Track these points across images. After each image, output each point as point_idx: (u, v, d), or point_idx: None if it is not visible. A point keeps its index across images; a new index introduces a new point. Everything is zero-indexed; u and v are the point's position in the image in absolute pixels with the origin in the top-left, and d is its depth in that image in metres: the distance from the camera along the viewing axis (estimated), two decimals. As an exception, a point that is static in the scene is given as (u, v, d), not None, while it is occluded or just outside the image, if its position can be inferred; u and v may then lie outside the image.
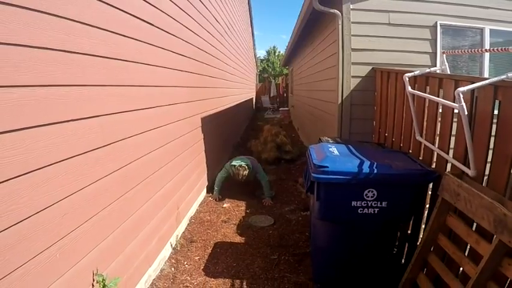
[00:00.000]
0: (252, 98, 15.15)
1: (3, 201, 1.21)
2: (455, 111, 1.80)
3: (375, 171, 2.03)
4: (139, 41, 2.36)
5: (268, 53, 33.96)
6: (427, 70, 2.43)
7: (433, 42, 3.54)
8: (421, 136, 2.41)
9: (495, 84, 1.64)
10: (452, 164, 2.02)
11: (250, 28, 14.29)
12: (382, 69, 3.31)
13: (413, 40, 3.52)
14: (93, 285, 1.74)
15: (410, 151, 2.61)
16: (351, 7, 3.42)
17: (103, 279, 1.76)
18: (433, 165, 2.28)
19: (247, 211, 3.90)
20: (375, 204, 2.05)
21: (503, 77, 1.58)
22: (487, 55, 3.64)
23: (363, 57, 3.50)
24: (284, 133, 6.80)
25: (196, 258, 2.86)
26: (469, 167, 1.78)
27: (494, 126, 1.70)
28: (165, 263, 2.76)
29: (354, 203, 2.06)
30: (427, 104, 2.37)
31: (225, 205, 4.08)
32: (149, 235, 2.48)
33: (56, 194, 1.48)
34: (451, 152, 2.08)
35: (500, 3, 3.58)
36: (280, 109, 14.71)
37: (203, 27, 4.37)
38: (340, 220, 2.15)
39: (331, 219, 2.18)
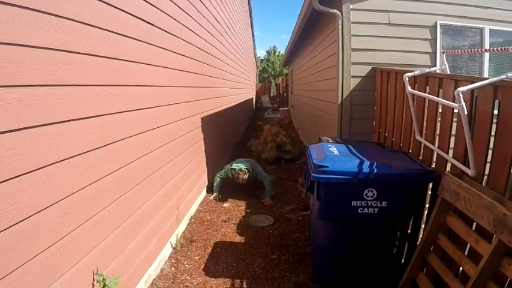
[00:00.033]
0: (252, 98, 15.16)
1: (4, 201, 1.21)
2: (455, 111, 1.80)
3: (375, 171, 2.03)
4: (140, 41, 2.36)
5: (268, 53, 33.97)
6: (427, 70, 2.43)
7: (433, 42, 3.54)
8: (421, 136, 2.42)
9: (495, 84, 1.64)
10: (452, 163, 2.02)
11: (250, 28, 14.29)
12: (382, 69, 3.31)
13: (413, 40, 3.53)
14: (93, 285, 1.74)
15: (410, 151, 2.61)
16: (351, 7, 3.43)
17: (103, 279, 1.76)
18: (433, 165, 2.28)
19: (247, 211, 3.91)
20: (374, 204, 2.05)
21: (503, 77, 1.59)
22: (486, 55, 3.64)
23: (362, 57, 3.50)
24: (284, 133, 6.80)
25: (197, 257, 2.87)
26: (468, 167, 1.78)
27: (494, 126, 1.71)
28: (165, 262, 2.76)
29: (353, 203, 2.06)
30: (426, 104, 2.37)
31: (225, 205, 4.08)
32: (149, 235, 2.49)
33: (57, 193, 1.48)
34: (450, 151, 2.08)
35: (500, 3, 3.58)
36: (280, 109, 14.71)
37: (203, 27, 4.37)
38: (340, 220, 2.16)
39: (331, 218, 2.18)
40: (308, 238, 3.11)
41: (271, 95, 19.09)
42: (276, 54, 32.91)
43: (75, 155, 1.61)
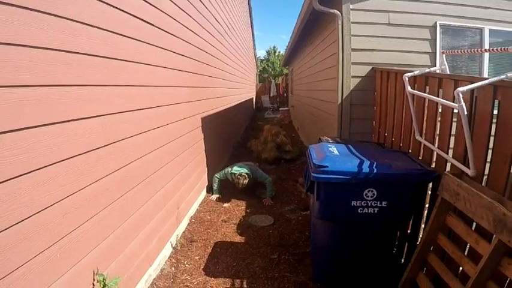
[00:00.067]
0: (252, 98, 15.16)
1: (4, 200, 1.21)
2: (455, 111, 1.80)
3: (375, 171, 2.03)
4: (140, 41, 2.36)
5: (268, 53, 33.99)
6: (427, 70, 2.43)
7: (433, 42, 3.55)
8: (421, 136, 2.42)
9: (494, 84, 1.64)
10: (451, 163, 2.02)
11: (250, 28, 14.29)
12: (382, 69, 3.31)
13: (413, 40, 3.53)
14: (93, 285, 1.74)
15: (410, 151, 2.61)
16: (351, 7, 3.43)
17: (103, 279, 1.76)
18: (433, 165, 2.28)
19: (247, 211, 3.91)
20: (374, 204, 2.05)
21: (502, 77, 1.59)
22: (486, 55, 3.64)
23: (362, 57, 3.51)
24: (284, 133, 6.81)
25: (197, 257, 2.87)
26: (468, 167, 1.78)
27: (493, 126, 1.71)
28: (166, 262, 2.76)
29: (353, 203, 2.06)
30: (426, 104, 2.37)
31: (225, 205, 4.08)
32: (149, 235, 2.49)
33: (57, 193, 1.48)
34: (450, 151, 2.08)
35: (500, 4, 3.58)
36: (280, 109, 14.71)
37: (203, 27, 4.37)
38: (340, 220, 2.16)
39: (331, 218, 2.19)
40: (308, 238, 3.12)
41: (271, 95, 19.09)
42: (276, 54, 32.93)
43: (76, 155, 1.62)
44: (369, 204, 2.06)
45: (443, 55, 2.53)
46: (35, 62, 1.36)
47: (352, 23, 3.45)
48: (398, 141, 2.85)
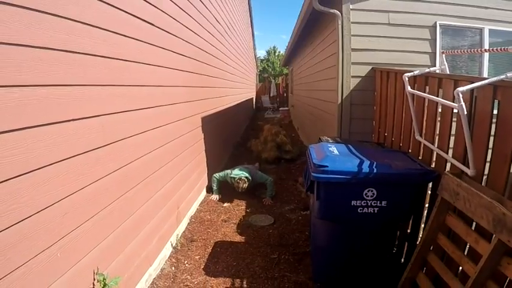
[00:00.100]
0: (252, 98, 15.16)
1: (5, 200, 1.22)
2: (455, 111, 1.80)
3: (375, 170, 2.03)
4: (140, 41, 2.36)
5: (268, 53, 34.00)
6: (427, 70, 2.43)
7: (433, 42, 3.55)
8: (421, 136, 2.42)
9: (494, 84, 1.64)
10: (451, 163, 2.02)
11: (251, 28, 14.30)
12: (382, 69, 3.31)
13: (412, 40, 3.53)
14: (93, 285, 1.74)
15: (410, 151, 2.61)
16: (351, 7, 3.43)
17: (104, 279, 1.76)
18: (433, 165, 2.28)
19: (247, 210, 3.91)
20: (374, 203, 2.06)
21: (502, 77, 1.59)
22: (486, 55, 3.64)
23: (362, 57, 3.51)
24: (284, 133, 6.81)
25: (197, 257, 2.87)
26: (468, 167, 1.79)
27: (493, 126, 1.71)
28: (166, 262, 2.76)
29: (353, 203, 2.06)
30: (426, 104, 2.38)
31: (225, 204, 4.09)
32: (149, 234, 2.49)
33: (57, 193, 1.48)
34: (450, 151, 2.09)
35: (500, 4, 3.59)
36: (280, 109, 14.71)
37: (203, 27, 4.37)
38: (340, 219, 2.16)
39: (331, 218, 2.19)
40: (308, 238, 3.12)
41: (271, 95, 19.08)
42: (276, 54, 32.94)
43: (76, 155, 1.62)
44: (369, 204, 2.06)
45: (443, 55, 2.53)
46: (36, 62, 1.36)
47: (352, 23, 3.45)
48: (398, 141, 2.86)
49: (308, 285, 2.44)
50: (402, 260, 2.47)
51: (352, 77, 3.55)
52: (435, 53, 3.55)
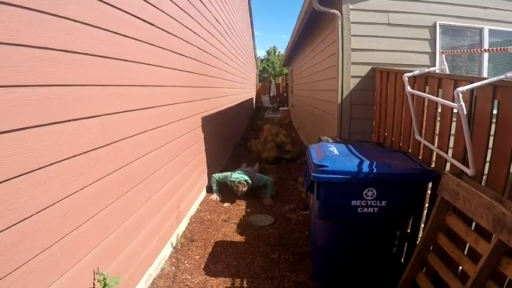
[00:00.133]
0: (252, 98, 15.16)
1: (5, 200, 1.22)
2: (455, 110, 1.80)
3: (375, 170, 2.04)
4: (140, 41, 2.36)
5: (268, 53, 34.01)
6: (427, 70, 2.44)
7: (433, 42, 3.55)
8: (421, 136, 2.42)
9: (494, 84, 1.65)
10: (451, 163, 2.03)
11: (251, 28, 14.29)
12: (382, 69, 3.32)
13: (412, 40, 3.53)
14: (94, 284, 1.74)
15: (410, 150, 2.62)
16: (351, 7, 3.43)
17: (104, 278, 1.76)
18: (433, 165, 2.29)
19: (248, 210, 3.91)
20: (374, 203, 2.06)
21: (502, 76, 1.59)
22: (486, 55, 3.65)
23: (362, 57, 3.51)
24: (284, 132, 6.81)
25: (197, 257, 2.87)
26: (468, 167, 1.79)
27: (493, 126, 1.71)
28: (166, 262, 2.77)
29: (353, 202, 2.06)
30: (426, 104, 2.38)
31: (225, 204, 4.09)
32: (150, 234, 2.49)
33: (57, 193, 1.48)
34: (450, 151, 2.09)
35: (499, 4, 3.59)
36: (280, 109, 14.72)
37: (203, 27, 4.37)
38: (340, 219, 2.16)
39: (330, 218, 2.19)
40: (308, 237, 3.12)
41: (271, 94, 19.09)
42: (276, 54, 32.95)
43: (76, 155, 1.62)
44: (369, 204, 2.06)
45: (443, 55, 2.53)
46: (36, 62, 1.37)
47: (352, 23, 3.45)
48: (398, 141, 2.86)
49: (308, 284, 2.45)
50: (402, 260, 2.47)
51: (352, 77, 3.55)
52: (435, 53, 3.55)
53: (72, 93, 1.60)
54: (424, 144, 2.37)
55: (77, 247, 1.62)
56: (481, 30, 3.61)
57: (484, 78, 1.69)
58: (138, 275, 2.28)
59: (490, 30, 3.60)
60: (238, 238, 3.22)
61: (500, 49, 1.86)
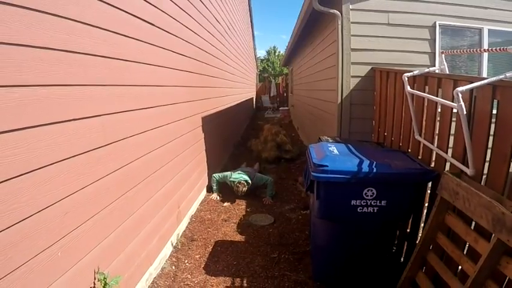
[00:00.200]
0: (252, 98, 15.16)
1: (6, 200, 1.22)
2: (454, 110, 1.81)
3: (375, 170, 2.04)
4: (140, 41, 2.37)
5: (268, 53, 34.05)
6: (426, 70, 2.44)
7: (432, 42, 3.55)
8: (420, 135, 2.43)
9: (494, 84, 1.65)
10: (451, 163, 2.03)
11: (251, 28, 14.30)
12: (382, 69, 3.32)
13: (412, 40, 3.54)
14: (94, 284, 1.75)
15: (410, 150, 2.62)
16: (351, 7, 3.44)
17: (104, 278, 1.77)
18: (432, 165, 2.29)
19: (248, 210, 3.92)
20: (374, 203, 2.06)
21: (501, 76, 1.60)
22: (485, 55, 3.65)
23: (362, 57, 3.51)
24: (284, 132, 6.81)
25: (197, 256, 2.88)
26: (467, 166, 1.79)
27: (492, 126, 1.71)
28: (166, 261, 2.77)
29: (353, 202, 2.07)
30: (426, 104, 2.38)
31: (225, 204, 4.09)
32: (150, 234, 2.50)
33: (58, 193, 1.49)
34: (450, 151, 2.09)
35: (499, 4, 3.59)
36: (280, 109, 14.72)
37: (203, 27, 4.38)
38: (340, 219, 2.17)
39: (330, 218, 2.19)
40: (308, 237, 3.12)
41: (271, 94, 19.10)
42: (276, 54, 32.97)
43: (77, 155, 1.62)
44: (369, 204, 2.06)
45: (443, 55, 2.53)
46: (37, 62, 1.37)
47: (352, 23, 3.46)
48: (397, 141, 2.86)
49: (308, 284, 2.45)
50: (402, 259, 2.47)
51: (352, 76, 3.55)
52: (435, 53, 3.56)
53: (72, 93, 1.60)
54: (423, 144, 2.37)
55: (77, 247, 1.62)
56: (480, 30, 3.61)
57: (484, 78, 1.69)
58: (139, 275, 2.29)
59: (489, 30, 3.60)
60: (239, 237, 3.22)
61: (500, 49, 1.87)
